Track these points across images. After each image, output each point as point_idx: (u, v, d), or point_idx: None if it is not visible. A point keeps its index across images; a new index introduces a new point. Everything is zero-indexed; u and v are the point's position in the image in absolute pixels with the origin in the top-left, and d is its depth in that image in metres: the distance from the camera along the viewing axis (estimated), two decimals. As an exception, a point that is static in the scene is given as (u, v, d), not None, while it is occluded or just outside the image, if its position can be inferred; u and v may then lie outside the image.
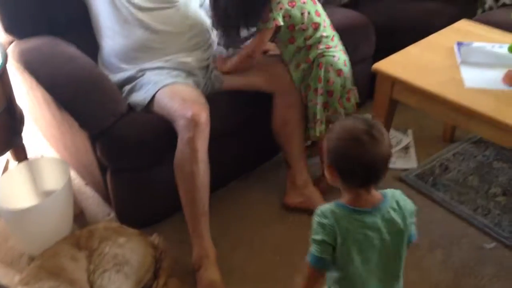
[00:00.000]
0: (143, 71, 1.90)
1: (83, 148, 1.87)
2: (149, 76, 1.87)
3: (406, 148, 2.32)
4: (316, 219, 1.16)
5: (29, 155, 2.05)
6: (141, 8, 1.91)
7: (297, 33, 1.86)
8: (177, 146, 1.71)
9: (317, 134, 1.94)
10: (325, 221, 1.14)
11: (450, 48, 1.89)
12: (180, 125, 1.69)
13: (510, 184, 2.07)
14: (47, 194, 1.94)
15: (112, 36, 1.94)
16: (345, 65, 1.93)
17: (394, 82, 1.81)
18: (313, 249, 1.15)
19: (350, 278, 1.17)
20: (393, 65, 1.84)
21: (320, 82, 1.87)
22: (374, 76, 1.89)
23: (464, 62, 1.80)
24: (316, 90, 1.88)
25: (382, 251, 1.16)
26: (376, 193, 1.18)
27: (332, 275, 1.20)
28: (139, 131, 1.75)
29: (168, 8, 1.94)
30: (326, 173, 1.19)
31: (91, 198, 2.14)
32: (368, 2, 2.57)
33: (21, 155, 2.00)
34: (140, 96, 1.83)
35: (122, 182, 1.85)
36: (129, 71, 1.92)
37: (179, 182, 1.73)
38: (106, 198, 1.98)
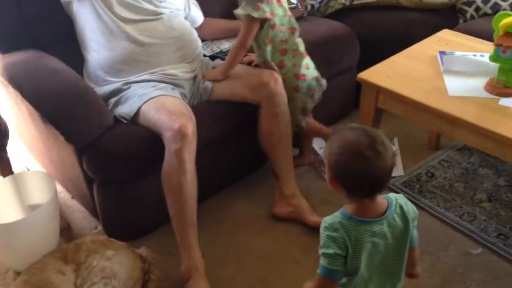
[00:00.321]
0: (129, 84, 1.90)
1: (69, 162, 1.86)
2: (135, 89, 1.87)
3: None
4: (325, 233, 1.15)
5: (14, 170, 2.03)
6: (126, 21, 1.91)
7: (275, 33, 1.91)
8: (164, 158, 1.71)
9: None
10: (335, 234, 1.14)
11: (433, 57, 1.92)
12: (167, 137, 1.69)
13: (495, 190, 2.10)
14: (33, 208, 1.92)
15: (97, 49, 1.94)
16: (307, 68, 2.04)
17: (379, 91, 1.83)
18: (324, 262, 1.15)
19: (353, 280, 1.18)
20: (378, 74, 1.86)
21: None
22: (359, 85, 1.91)
23: (447, 71, 1.83)
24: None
25: (386, 255, 1.18)
26: (380, 200, 1.18)
27: None
28: (126, 143, 1.74)
29: (153, 20, 1.95)
30: (329, 185, 1.17)
31: (77, 212, 2.12)
32: (352, 13, 2.61)
33: (6, 169, 1.98)
34: (126, 109, 1.83)
35: (109, 195, 1.84)
36: (115, 83, 1.92)
37: (167, 193, 1.73)
38: (93, 211, 1.97)
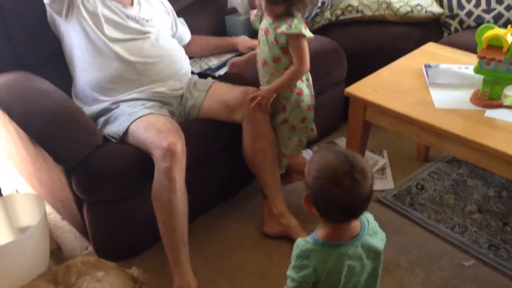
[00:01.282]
0: (117, 103, 1.91)
1: (59, 182, 1.85)
2: (123, 107, 1.87)
3: (382, 169, 2.35)
4: (297, 261, 1.14)
5: (3, 191, 2.02)
6: (114, 40, 1.92)
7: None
8: (154, 177, 1.71)
9: (283, 165, 2.02)
10: (305, 262, 1.12)
11: (419, 70, 1.95)
12: (157, 156, 1.68)
13: (485, 201, 2.11)
14: (22, 230, 1.91)
15: (86, 68, 1.94)
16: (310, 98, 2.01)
17: (366, 105, 1.84)
18: (290, 284, 1.15)
19: None
20: (365, 88, 1.88)
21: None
22: (347, 99, 1.92)
23: (433, 84, 1.85)
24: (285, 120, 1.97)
25: (361, 275, 1.18)
26: (355, 222, 1.17)
27: None
28: (115, 163, 1.74)
29: (141, 39, 1.96)
30: (303, 202, 1.15)
31: (68, 233, 2.10)
32: (338, 28, 2.63)
33: (-5, 192, 1.97)
34: (114, 128, 1.83)
35: (99, 215, 1.83)
36: (103, 103, 1.92)
37: (157, 212, 1.72)
38: (83, 232, 1.95)
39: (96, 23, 1.91)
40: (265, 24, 1.89)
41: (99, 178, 1.73)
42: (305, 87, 1.96)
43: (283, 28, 1.80)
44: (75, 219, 1.94)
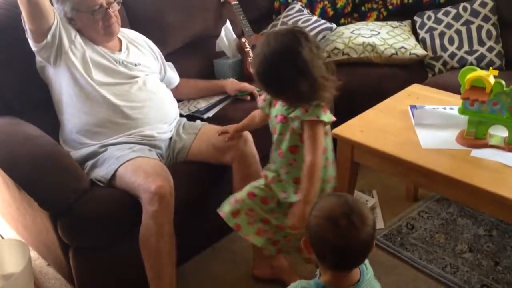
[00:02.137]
0: (105, 146, 1.90)
1: (44, 228, 1.82)
2: (111, 151, 1.87)
3: (372, 209, 2.35)
4: None
5: (-13, 237, 1.98)
6: (102, 84, 1.93)
7: None
8: (142, 221, 1.69)
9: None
10: None
11: (404, 111, 1.97)
12: (144, 199, 1.67)
13: (475, 240, 2.11)
14: (6, 277, 1.86)
15: (74, 113, 1.94)
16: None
17: (354, 145, 1.85)
18: None
19: None
20: (352, 129, 1.89)
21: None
22: (334, 140, 1.93)
23: (419, 124, 1.87)
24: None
25: None
26: (355, 271, 1.15)
27: None
28: (102, 208, 1.71)
29: (128, 83, 1.97)
30: (302, 245, 1.15)
31: (53, 279, 2.05)
32: (325, 70, 2.68)
33: (-22, 238, 1.93)
34: (102, 172, 1.81)
35: (85, 261, 1.79)
36: (91, 146, 1.91)
37: (145, 257, 1.70)
38: (69, 278, 1.91)
39: (84, 68, 1.92)
40: (280, 110, 1.63)
41: (85, 223, 1.70)
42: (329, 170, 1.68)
43: (299, 112, 1.54)
44: (61, 265, 1.90)
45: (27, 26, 1.85)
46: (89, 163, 1.87)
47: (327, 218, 1.07)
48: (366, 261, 1.20)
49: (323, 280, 1.14)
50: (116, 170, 1.78)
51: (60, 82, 1.95)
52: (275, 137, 1.67)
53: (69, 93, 1.93)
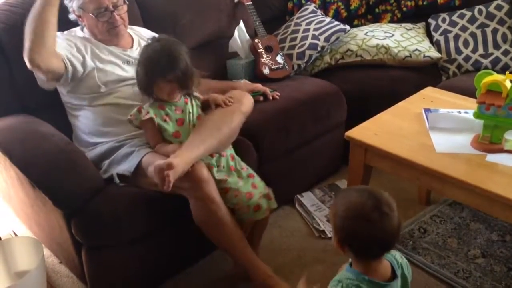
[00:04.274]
0: (122, 141, 1.91)
1: (57, 226, 1.83)
2: (130, 144, 1.88)
3: (384, 212, 2.34)
4: None
5: (1, 234, 2.00)
6: (113, 87, 1.95)
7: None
8: (192, 207, 1.74)
9: None
10: None
11: (418, 115, 1.96)
12: (185, 186, 1.70)
13: (488, 245, 2.09)
14: (20, 275, 1.88)
15: (85, 115, 1.96)
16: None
17: (366, 148, 1.85)
18: None
19: None
20: (365, 132, 1.88)
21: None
22: (347, 142, 1.93)
23: (433, 128, 1.86)
24: None
25: None
26: (384, 261, 1.19)
27: None
28: (115, 207, 1.72)
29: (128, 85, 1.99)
30: (336, 248, 1.17)
31: (65, 277, 2.07)
32: (337, 71, 2.68)
33: (-8, 235, 1.95)
34: (125, 165, 1.81)
35: (97, 260, 1.80)
36: (107, 144, 1.92)
37: (211, 235, 1.77)
38: (81, 277, 1.92)
39: (98, 77, 1.94)
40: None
41: (99, 222, 1.71)
42: None
43: None
44: (73, 263, 1.91)
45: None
46: (107, 161, 1.87)
47: (358, 217, 1.10)
48: (401, 257, 1.25)
49: (360, 271, 1.17)
50: (140, 160, 1.77)
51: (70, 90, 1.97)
52: None
53: (80, 98, 1.95)
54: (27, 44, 1.76)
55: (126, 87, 1.98)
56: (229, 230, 1.76)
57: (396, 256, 1.23)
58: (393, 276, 1.19)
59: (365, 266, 1.16)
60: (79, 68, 1.92)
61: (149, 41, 1.86)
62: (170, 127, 1.82)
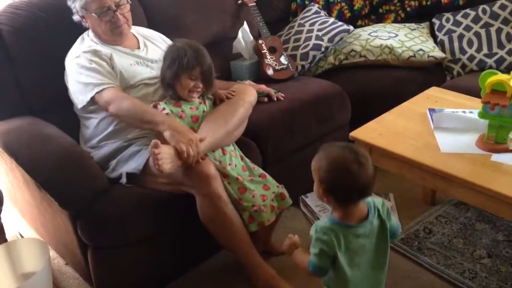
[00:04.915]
0: (129, 141, 1.92)
1: (63, 227, 1.84)
2: (138, 143, 1.89)
3: (388, 213, 2.33)
4: (316, 235, 1.32)
5: (7, 236, 2.00)
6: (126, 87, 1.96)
7: None
8: (199, 205, 1.75)
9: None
10: (325, 237, 1.30)
11: (423, 115, 1.96)
12: (192, 183, 1.72)
13: (494, 245, 2.08)
14: (26, 276, 1.88)
15: (94, 114, 1.96)
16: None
17: (371, 149, 1.85)
18: (313, 259, 1.32)
19: (343, 277, 1.33)
20: (370, 132, 1.89)
21: None
22: (352, 142, 1.92)
23: (438, 128, 1.86)
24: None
25: (372, 251, 1.35)
26: (362, 205, 1.34)
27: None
28: (121, 208, 1.73)
29: (150, 85, 2.00)
30: (320, 198, 1.34)
31: (71, 279, 2.07)
32: (341, 72, 2.67)
33: (-1, 236, 1.96)
34: (133, 164, 1.82)
35: (103, 261, 1.80)
36: (115, 143, 1.93)
37: (220, 234, 1.78)
38: (87, 278, 1.93)
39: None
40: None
41: (105, 223, 1.71)
42: None
43: None
44: (79, 264, 1.92)
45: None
46: (114, 160, 1.89)
47: (341, 169, 1.28)
48: (377, 201, 1.38)
49: (338, 216, 1.33)
50: (148, 158, 1.77)
51: None
52: None
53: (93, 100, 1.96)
54: (115, 113, 1.84)
55: (137, 87, 1.98)
56: (235, 228, 1.77)
57: (376, 203, 1.36)
58: (367, 217, 1.34)
59: (343, 212, 1.32)
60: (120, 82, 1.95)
61: (172, 42, 1.95)
62: (185, 123, 1.85)
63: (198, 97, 1.94)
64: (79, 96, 1.93)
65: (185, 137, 1.69)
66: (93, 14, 1.94)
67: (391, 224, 1.39)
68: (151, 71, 2.03)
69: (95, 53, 1.93)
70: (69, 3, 2.01)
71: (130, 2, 2.04)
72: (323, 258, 1.31)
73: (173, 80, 1.87)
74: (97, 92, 1.87)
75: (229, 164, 1.87)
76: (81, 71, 1.90)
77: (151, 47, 2.13)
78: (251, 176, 1.91)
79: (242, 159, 1.95)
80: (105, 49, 1.97)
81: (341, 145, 1.32)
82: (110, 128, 1.94)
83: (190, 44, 1.90)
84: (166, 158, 1.63)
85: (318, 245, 1.31)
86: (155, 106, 1.87)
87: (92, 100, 1.89)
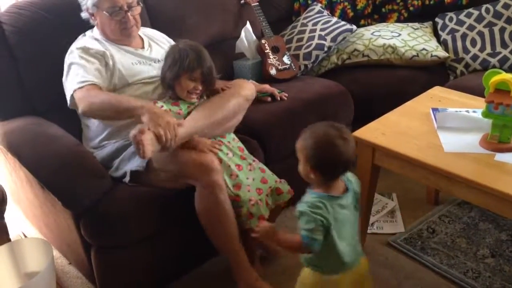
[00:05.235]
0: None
1: (67, 227, 1.84)
2: None
3: (392, 212, 2.33)
4: (309, 210, 1.36)
5: (10, 236, 2.01)
6: (124, 90, 1.96)
7: None
8: (197, 195, 1.75)
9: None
10: (319, 210, 1.35)
11: (426, 114, 1.96)
12: (194, 174, 1.72)
13: (497, 245, 2.08)
14: (29, 276, 1.89)
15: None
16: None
17: (374, 148, 1.84)
18: (308, 233, 1.35)
19: (334, 249, 1.40)
20: (373, 132, 1.88)
21: None
22: (355, 142, 1.92)
23: (441, 127, 1.85)
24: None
25: (351, 221, 1.45)
26: (340, 179, 1.44)
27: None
28: (124, 207, 1.73)
29: (149, 84, 2.00)
30: (307, 176, 1.41)
31: (75, 278, 2.08)
32: (344, 71, 2.67)
33: (3, 236, 1.96)
34: (137, 161, 1.82)
35: (107, 260, 1.81)
36: (117, 142, 1.93)
37: (213, 227, 1.77)
38: (90, 277, 1.93)
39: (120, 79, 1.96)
40: None
41: (108, 223, 1.72)
42: None
43: None
44: (83, 264, 1.92)
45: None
46: (117, 159, 1.89)
47: (328, 145, 1.37)
48: (349, 174, 1.48)
49: (321, 191, 1.40)
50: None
51: None
52: None
53: None
54: (88, 110, 1.84)
55: (138, 85, 1.99)
56: (229, 223, 1.77)
57: (348, 176, 1.46)
58: (346, 190, 1.44)
59: (326, 186, 1.41)
60: (110, 83, 1.95)
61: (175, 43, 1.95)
62: None
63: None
64: (67, 95, 1.94)
65: (163, 120, 1.69)
66: (104, 12, 1.95)
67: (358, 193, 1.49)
68: (152, 70, 2.03)
69: (87, 50, 1.94)
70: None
71: (141, 4, 2.05)
72: (318, 232, 1.35)
73: (173, 81, 1.89)
74: (74, 90, 1.87)
75: (226, 154, 1.88)
76: (69, 68, 1.93)
77: (155, 47, 2.14)
78: (250, 167, 1.92)
79: (242, 150, 1.96)
80: (104, 47, 1.98)
81: (324, 124, 1.42)
82: (111, 128, 1.94)
83: (191, 46, 1.91)
84: (148, 143, 1.64)
85: (312, 219, 1.35)
86: (154, 103, 1.88)
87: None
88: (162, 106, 1.86)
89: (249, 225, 1.82)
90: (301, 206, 1.39)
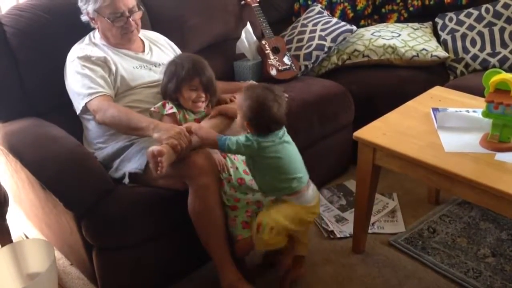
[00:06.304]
0: (131, 140, 1.93)
1: (68, 228, 1.85)
2: (140, 143, 1.89)
3: (392, 212, 2.34)
4: (244, 143, 1.65)
5: (12, 236, 2.01)
6: (125, 94, 1.97)
7: None
8: (191, 195, 1.75)
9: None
10: (248, 143, 1.65)
11: (426, 114, 1.96)
12: (190, 176, 1.72)
13: (498, 244, 2.08)
14: (31, 277, 1.89)
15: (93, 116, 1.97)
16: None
17: (375, 148, 1.85)
18: (243, 139, 1.66)
19: (275, 156, 1.68)
20: (374, 132, 1.89)
21: None
22: (355, 142, 1.93)
23: (441, 127, 1.85)
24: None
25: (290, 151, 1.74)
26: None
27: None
28: (125, 208, 1.73)
29: (150, 87, 2.01)
30: (242, 127, 1.68)
31: (76, 279, 2.08)
32: (344, 72, 2.68)
33: (5, 237, 1.96)
34: (135, 163, 1.83)
35: (108, 261, 1.81)
36: (118, 143, 1.94)
37: (203, 228, 1.77)
38: (92, 278, 1.93)
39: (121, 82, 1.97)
40: None
41: (109, 223, 1.72)
42: None
43: None
44: (84, 265, 1.92)
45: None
46: (118, 160, 1.89)
47: (263, 105, 1.63)
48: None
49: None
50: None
51: None
52: None
53: None
54: (102, 123, 1.88)
55: (140, 89, 1.99)
56: (218, 224, 1.78)
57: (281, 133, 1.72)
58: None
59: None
60: (114, 88, 1.96)
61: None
62: None
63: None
64: (75, 102, 1.97)
65: (173, 132, 1.71)
66: (106, 18, 1.95)
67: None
68: (154, 75, 2.03)
69: (88, 58, 1.94)
70: (80, 4, 2.01)
71: (142, 9, 2.05)
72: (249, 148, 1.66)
73: (175, 94, 1.90)
74: (87, 102, 1.89)
75: (230, 167, 1.87)
76: (74, 78, 1.93)
77: (156, 50, 2.14)
78: (252, 181, 1.89)
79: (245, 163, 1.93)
80: (104, 52, 1.98)
81: (262, 86, 1.69)
82: (111, 130, 1.94)
83: (188, 57, 1.95)
84: (166, 163, 1.65)
85: (241, 146, 1.65)
86: (163, 105, 1.89)
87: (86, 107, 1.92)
88: (172, 108, 1.87)
89: (242, 236, 1.81)
90: (233, 145, 1.65)
